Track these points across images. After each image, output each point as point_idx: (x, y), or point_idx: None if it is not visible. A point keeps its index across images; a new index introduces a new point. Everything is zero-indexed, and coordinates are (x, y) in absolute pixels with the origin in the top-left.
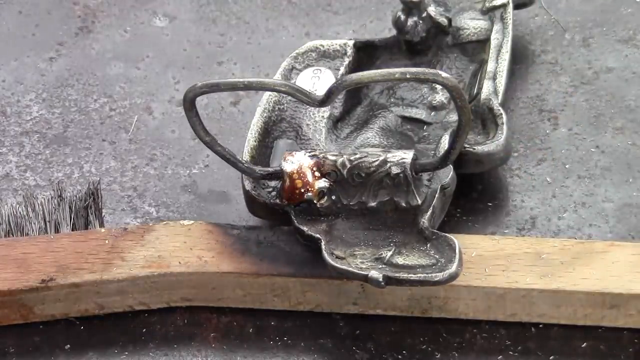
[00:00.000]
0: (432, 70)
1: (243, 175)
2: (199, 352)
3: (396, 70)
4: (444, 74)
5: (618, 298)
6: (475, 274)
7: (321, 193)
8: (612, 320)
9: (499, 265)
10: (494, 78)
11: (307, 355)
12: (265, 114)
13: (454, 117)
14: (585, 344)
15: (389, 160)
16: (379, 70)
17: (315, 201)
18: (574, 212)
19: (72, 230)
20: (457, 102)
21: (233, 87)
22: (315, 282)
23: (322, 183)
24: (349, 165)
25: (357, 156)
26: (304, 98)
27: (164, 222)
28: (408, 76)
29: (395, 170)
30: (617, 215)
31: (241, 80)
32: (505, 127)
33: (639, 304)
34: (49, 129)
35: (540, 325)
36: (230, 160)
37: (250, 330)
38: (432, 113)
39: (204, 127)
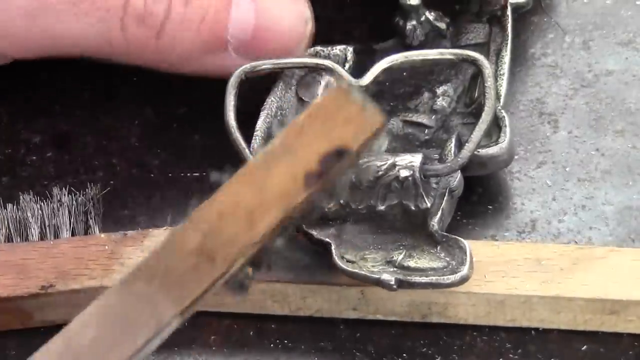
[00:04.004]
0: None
1: None
2: (200, 355)
3: (436, 51)
4: (478, 55)
5: (617, 304)
6: (475, 280)
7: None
8: (611, 326)
9: (498, 272)
10: (495, 80)
11: (308, 358)
12: (268, 119)
13: (455, 120)
14: (585, 346)
15: (397, 163)
16: (421, 51)
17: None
18: (574, 215)
19: (72, 235)
20: (487, 81)
21: (280, 67)
22: (315, 288)
23: None
24: (356, 169)
25: (365, 160)
26: (343, 78)
27: (165, 228)
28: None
29: (404, 173)
30: (617, 218)
31: (285, 60)
32: (508, 129)
33: (639, 310)
34: (49, 130)
35: (540, 329)
36: (244, 154)
37: (251, 334)
38: (433, 117)
39: (234, 110)
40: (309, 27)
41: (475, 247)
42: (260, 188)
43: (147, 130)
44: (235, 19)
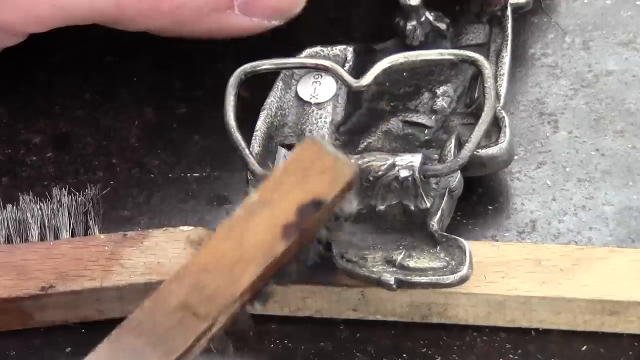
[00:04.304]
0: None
1: (249, 181)
2: (200, 355)
3: (435, 51)
4: (478, 56)
5: (618, 305)
6: (475, 281)
7: None
8: (611, 327)
9: (498, 272)
10: (495, 80)
11: (308, 359)
12: (268, 119)
13: (455, 120)
14: (585, 347)
15: (397, 163)
16: (421, 51)
17: None
18: (574, 215)
19: (71, 236)
20: (486, 82)
21: (279, 67)
22: (315, 289)
23: None
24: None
25: (365, 160)
26: (342, 78)
27: (164, 228)
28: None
29: (403, 173)
30: (617, 219)
31: (285, 60)
32: (507, 130)
33: (639, 310)
34: (49, 130)
35: (540, 329)
36: (243, 153)
37: (251, 334)
38: (433, 117)
39: (234, 110)
40: None
41: (475, 248)
42: (240, 242)
43: (147, 130)
44: None
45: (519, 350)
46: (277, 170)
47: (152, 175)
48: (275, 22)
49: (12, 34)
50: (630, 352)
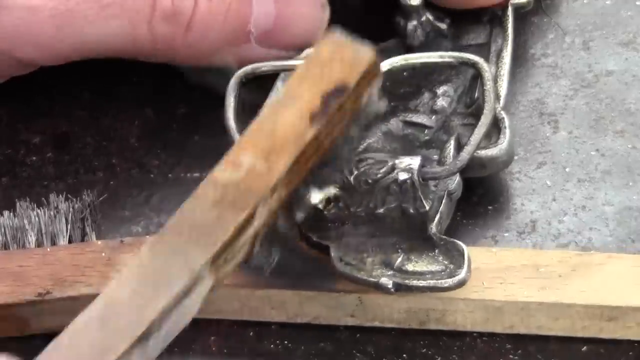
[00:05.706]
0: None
1: None
2: (200, 357)
3: (435, 54)
4: (478, 58)
5: (616, 311)
6: (473, 287)
7: (328, 200)
8: (610, 332)
9: (496, 278)
10: (495, 82)
11: (308, 359)
12: None
13: (455, 120)
14: (585, 347)
15: (396, 166)
16: (421, 54)
17: (322, 208)
18: (574, 215)
19: (69, 242)
20: (486, 84)
21: (279, 69)
22: (313, 296)
23: (329, 190)
24: (355, 172)
25: (364, 162)
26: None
27: None
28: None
29: (402, 176)
30: (617, 219)
31: (285, 62)
32: (508, 130)
33: (638, 316)
34: (49, 130)
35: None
36: None
37: (251, 334)
38: (433, 117)
39: (234, 112)
40: (326, 12)
41: (473, 254)
42: (271, 135)
43: (147, 130)
44: (257, 9)
45: (519, 351)
46: (300, 66)
47: (152, 176)
48: (294, 54)
49: (30, 66)
50: (631, 353)
